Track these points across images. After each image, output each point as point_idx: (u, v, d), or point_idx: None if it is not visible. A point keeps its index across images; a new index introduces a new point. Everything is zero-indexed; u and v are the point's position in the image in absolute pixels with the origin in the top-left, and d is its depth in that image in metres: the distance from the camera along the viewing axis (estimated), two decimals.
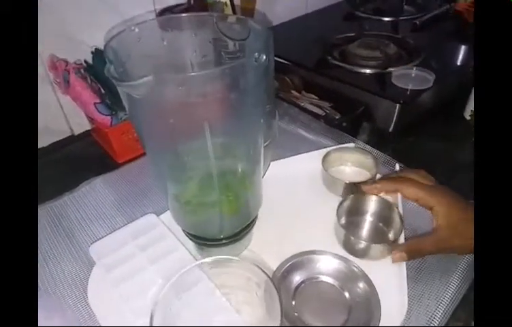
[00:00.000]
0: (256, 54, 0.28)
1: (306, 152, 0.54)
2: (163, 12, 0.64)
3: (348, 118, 0.61)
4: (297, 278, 0.39)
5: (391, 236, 0.43)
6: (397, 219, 0.42)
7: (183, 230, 0.41)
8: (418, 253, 0.39)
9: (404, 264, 0.38)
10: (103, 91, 0.56)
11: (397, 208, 0.43)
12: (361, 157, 0.51)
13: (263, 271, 0.27)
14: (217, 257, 0.30)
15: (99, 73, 0.55)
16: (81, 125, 0.64)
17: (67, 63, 0.54)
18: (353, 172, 0.52)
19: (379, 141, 0.57)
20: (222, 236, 0.39)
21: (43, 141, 0.62)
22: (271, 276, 0.30)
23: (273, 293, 0.26)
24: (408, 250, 0.39)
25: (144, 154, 0.59)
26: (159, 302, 0.28)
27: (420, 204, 0.41)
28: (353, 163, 0.52)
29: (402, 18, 0.89)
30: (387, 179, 0.45)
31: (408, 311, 0.35)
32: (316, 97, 0.67)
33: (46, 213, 0.50)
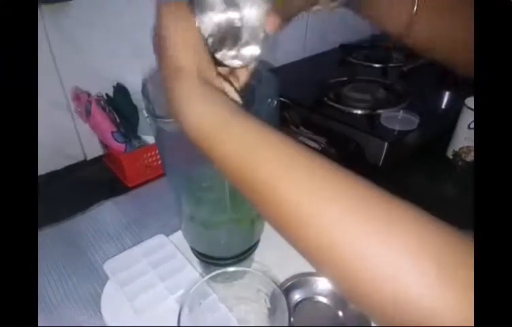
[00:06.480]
0: (269, 99, 0.33)
1: None
2: None
3: (341, 154, 0.67)
4: (296, 296, 0.43)
5: None
6: None
7: (192, 249, 0.45)
8: None
9: None
10: (118, 120, 0.61)
11: None
12: None
13: (274, 282, 0.31)
14: (231, 268, 0.33)
15: (118, 105, 0.60)
16: (93, 150, 0.69)
17: (89, 94, 0.59)
18: None
19: (369, 174, 0.62)
20: (228, 256, 0.42)
21: (58, 164, 0.66)
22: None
23: (282, 305, 0.28)
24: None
25: (152, 179, 0.63)
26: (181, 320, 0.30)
27: None
28: None
29: (391, 65, 0.98)
30: None
31: None
32: (312, 133, 0.73)
33: (59, 232, 0.53)
